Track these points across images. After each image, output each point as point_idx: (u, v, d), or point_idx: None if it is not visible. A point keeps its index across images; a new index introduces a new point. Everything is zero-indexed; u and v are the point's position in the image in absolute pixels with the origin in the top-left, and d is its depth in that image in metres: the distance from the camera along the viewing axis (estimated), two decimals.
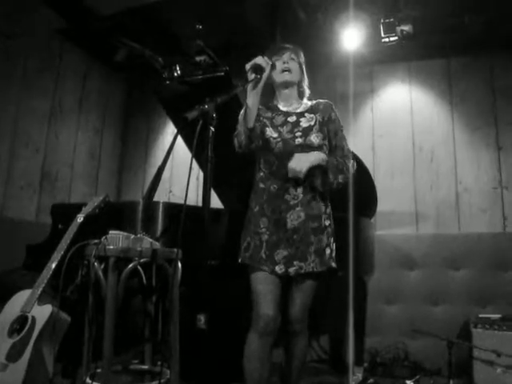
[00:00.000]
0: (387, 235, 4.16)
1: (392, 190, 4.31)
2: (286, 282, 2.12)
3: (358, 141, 4.47)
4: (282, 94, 2.27)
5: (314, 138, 2.14)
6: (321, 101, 2.29)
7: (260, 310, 2.02)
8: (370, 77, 4.64)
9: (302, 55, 2.29)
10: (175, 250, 2.29)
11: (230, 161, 2.26)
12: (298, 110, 2.25)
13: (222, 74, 2.99)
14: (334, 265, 2.13)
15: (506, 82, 4.19)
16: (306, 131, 2.16)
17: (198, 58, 3.95)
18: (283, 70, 2.20)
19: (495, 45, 4.17)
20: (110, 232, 2.29)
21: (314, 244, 2.08)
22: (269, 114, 2.25)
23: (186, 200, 1.83)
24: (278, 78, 2.22)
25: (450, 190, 4.19)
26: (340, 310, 3.56)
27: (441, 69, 4.43)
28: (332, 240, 2.16)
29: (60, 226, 2.90)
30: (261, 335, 2.00)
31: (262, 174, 2.19)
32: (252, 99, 2.02)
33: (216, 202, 3.62)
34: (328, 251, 2.12)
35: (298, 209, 2.09)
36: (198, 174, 4.67)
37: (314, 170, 2.10)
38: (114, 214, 2.71)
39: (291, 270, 2.07)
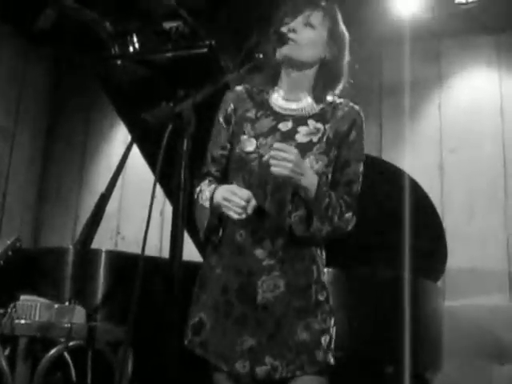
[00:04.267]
0: (462, 307, 4.15)
1: (471, 236, 4.32)
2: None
3: (418, 157, 4.50)
4: (286, 78, 2.26)
5: (312, 163, 2.12)
6: (343, 102, 2.26)
7: None
8: (436, 57, 4.72)
9: (336, 17, 2.28)
10: (125, 327, 2.29)
11: None
12: (301, 113, 2.24)
13: (205, 50, 3.04)
14: (331, 360, 2.10)
15: None
16: (302, 150, 2.11)
17: (166, 25, 4.02)
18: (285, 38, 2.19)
19: None
20: (22, 297, 2.29)
21: (299, 332, 2.05)
22: (252, 113, 2.25)
23: (144, 247, 1.85)
24: (276, 53, 2.21)
25: None
26: None
27: None
28: (332, 323, 2.14)
29: None
30: None
31: None
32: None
33: (191, 252, 3.63)
34: (325, 340, 2.09)
35: (274, 273, 2.06)
36: (163, 206, 4.68)
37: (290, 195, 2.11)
38: (29, 268, 2.72)
39: (259, 370, 2.04)
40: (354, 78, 2.37)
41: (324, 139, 2.15)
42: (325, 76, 2.23)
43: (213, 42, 3.00)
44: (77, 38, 4.79)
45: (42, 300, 2.31)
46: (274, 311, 2.05)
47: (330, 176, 2.16)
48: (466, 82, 4.66)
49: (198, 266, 2.98)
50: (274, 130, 2.16)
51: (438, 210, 3.59)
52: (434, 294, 3.53)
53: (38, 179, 5.36)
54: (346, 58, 2.24)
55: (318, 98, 2.22)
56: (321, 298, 2.11)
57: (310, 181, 2.03)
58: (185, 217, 1.81)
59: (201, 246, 3.68)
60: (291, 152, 1.97)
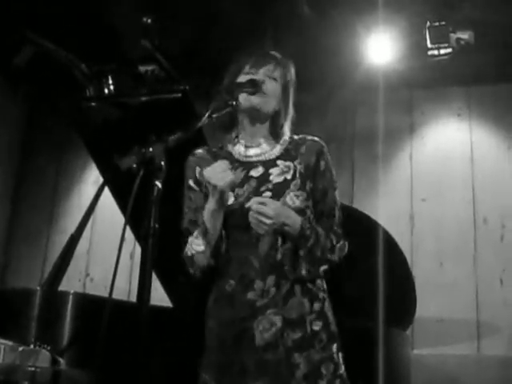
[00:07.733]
0: (430, 356, 4.17)
1: (440, 285, 4.35)
2: None
3: (389, 206, 4.56)
4: (245, 126, 2.32)
5: (292, 200, 2.17)
6: (304, 138, 2.32)
7: None
8: (408, 107, 4.82)
9: (291, 72, 2.36)
10: (90, 372, 2.27)
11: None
12: (268, 156, 2.29)
13: (179, 95, 3.06)
14: None
15: None
16: (280, 189, 2.18)
17: (142, 68, 4.05)
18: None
19: None
20: None
21: (302, 365, 2.06)
22: None
23: (112, 290, 1.84)
24: (243, 100, 2.26)
25: None
26: None
27: None
28: (334, 349, 2.14)
29: None
30: None
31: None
32: (214, 219, 2.09)
33: (160, 296, 3.61)
34: (327, 369, 2.09)
35: (269, 311, 2.09)
36: (133, 249, 4.66)
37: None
38: None
39: None
40: (327, 125, 2.42)
41: (297, 175, 2.22)
42: (275, 127, 2.31)
43: (187, 87, 3.03)
44: (52, 77, 4.80)
45: (6, 342, 2.28)
46: (275, 350, 2.05)
47: (312, 209, 2.21)
48: (438, 131, 4.75)
49: (166, 311, 2.97)
50: (247, 178, 2.21)
51: (408, 259, 3.62)
52: (403, 343, 3.54)
53: (8, 218, 5.32)
54: (291, 112, 2.34)
55: (276, 141, 2.31)
56: (316, 327, 2.12)
57: (292, 222, 2.08)
58: (153, 262, 1.81)
59: (171, 293, 3.66)
60: (269, 207, 2.04)
